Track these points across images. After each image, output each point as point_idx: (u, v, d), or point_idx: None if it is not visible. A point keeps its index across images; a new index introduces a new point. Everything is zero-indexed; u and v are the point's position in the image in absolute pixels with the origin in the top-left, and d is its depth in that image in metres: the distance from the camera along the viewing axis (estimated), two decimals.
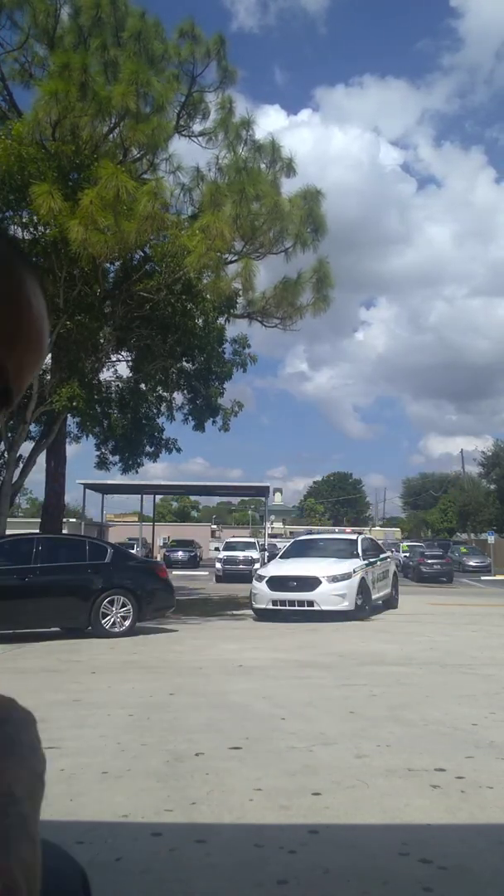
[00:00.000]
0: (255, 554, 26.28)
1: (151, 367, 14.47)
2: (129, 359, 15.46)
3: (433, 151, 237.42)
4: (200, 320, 13.97)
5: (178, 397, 16.61)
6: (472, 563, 35.69)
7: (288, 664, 7.73)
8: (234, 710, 5.51)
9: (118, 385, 15.99)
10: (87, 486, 33.22)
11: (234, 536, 39.23)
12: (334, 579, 12.11)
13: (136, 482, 31.78)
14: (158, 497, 50.09)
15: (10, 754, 0.55)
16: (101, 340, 12.87)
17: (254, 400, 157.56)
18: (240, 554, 26.71)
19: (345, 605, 11.97)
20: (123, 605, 10.15)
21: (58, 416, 13.59)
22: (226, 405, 16.81)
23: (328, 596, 11.97)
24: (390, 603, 14.56)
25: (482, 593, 22.18)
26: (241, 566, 25.37)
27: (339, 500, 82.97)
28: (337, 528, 23.99)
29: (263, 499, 40.94)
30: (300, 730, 4.86)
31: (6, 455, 13.77)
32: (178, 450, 17.17)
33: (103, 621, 9.95)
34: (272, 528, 52.79)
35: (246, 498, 68.76)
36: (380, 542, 18.85)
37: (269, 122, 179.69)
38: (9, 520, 13.35)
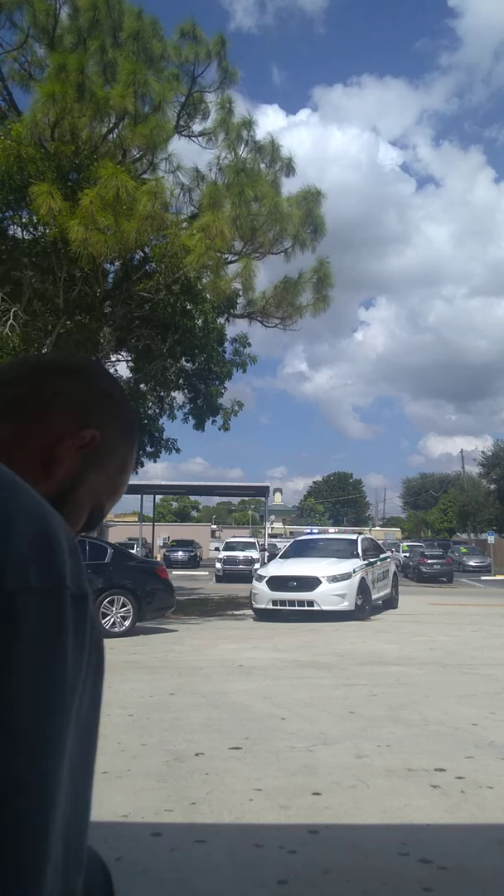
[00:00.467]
0: (255, 554, 26.26)
1: (151, 367, 14.46)
2: (129, 359, 15.45)
3: (432, 151, 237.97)
4: (200, 320, 13.96)
5: (179, 397, 16.62)
6: (472, 563, 35.69)
7: (288, 664, 7.73)
8: (234, 710, 5.51)
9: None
10: None
11: (234, 536, 39.22)
12: (334, 579, 12.12)
13: (135, 482, 31.74)
14: (158, 497, 50.07)
15: None
16: (101, 340, 12.85)
17: (253, 400, 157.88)
18: (240, 554, 26.70)
19: (345, 605, 11.97)
20: (123, 605, 10.15)
21: None
22: (226, 405, 16.81)
23: (328, 596, 11.97)
24: (390, 603, 14.56)
25: (482, 593, 22.18)
26: (241, 566, 25.36)
27: (339, 500, 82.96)
28: (331, 529, 23.96)
29: (263, 499, 40.89)
30: (300, 730, 4.86)
31: None
32: (178, 450, 17.19)
33: (103, 621, 9.95)
34: (272, 528, 52.76)
35: (246, 498, 68.73)
36: (380, 542, 18.86)
37: (268, 121, 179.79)
38: None
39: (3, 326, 11.11)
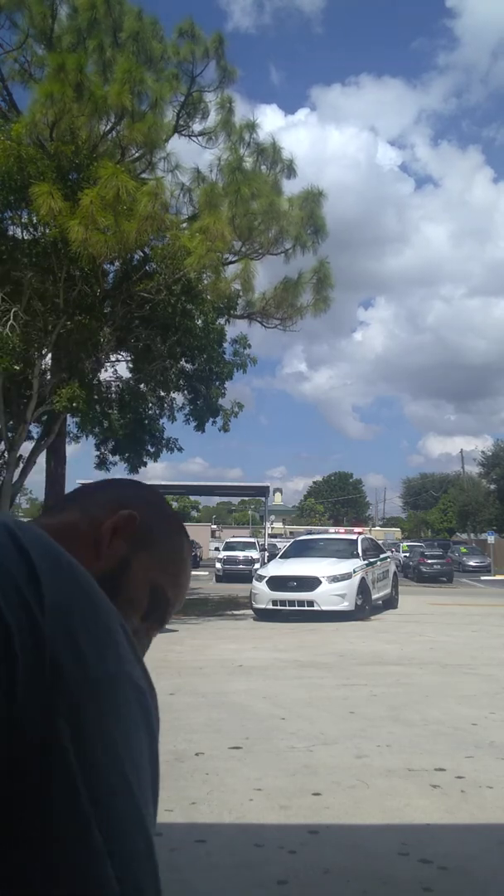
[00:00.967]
0: (255, 554, 26.27)
1: (151, 367, 14.46)
2: (129, 359, 15.45)
3: (430, 151, 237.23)
4: (200, 321, 13.96)
5: (179, 398, 16.61)
6: (472, 563, 35.67)
7: (288, 664, 7.73)
8: (234, 710, 5.51)
9: (118, 385, 15.98)
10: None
11: (234, 536, 39.20)
12: (334, 579, 12.12)
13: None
14: None
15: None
16: (101, 341, 12.85)
17: (253, 400, 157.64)
18: (240, 554, 26.71)
19: (345, 605, 11.97)
20: None
21: (58, 417, 13.59)
22: (226, 406, 16.80)
23: (328, 596, 11.97)
24: (390, 603, 14.56)
25: (482, 593, 22.18)
26: (241, 566, 25.37)
27: (339, 500, 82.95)
28: (331, 529, 23.98)
29: (263, 499, 40.90)
30: (300, 730, 4.87)
31: (6, 455, 13.76)
32: (180, 449, 17.17)
33: None
34: (272, 528, 52.77)
35: (246, 498, 68.74)
36: (380, 542, 18.86)
37: (267, 121, 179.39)
38: None
39: (3, 326, 11.11)
